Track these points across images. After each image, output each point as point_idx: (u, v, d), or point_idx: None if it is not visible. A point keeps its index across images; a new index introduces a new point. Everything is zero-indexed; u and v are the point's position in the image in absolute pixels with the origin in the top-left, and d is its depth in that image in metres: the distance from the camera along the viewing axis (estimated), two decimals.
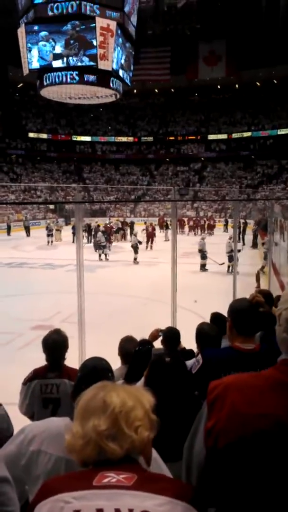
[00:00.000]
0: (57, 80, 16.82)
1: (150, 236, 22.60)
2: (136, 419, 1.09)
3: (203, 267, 16.09)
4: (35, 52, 16.66)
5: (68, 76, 16.60)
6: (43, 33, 16.27)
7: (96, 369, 1.74)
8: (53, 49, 16.33)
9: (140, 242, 18.48)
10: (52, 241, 23.52)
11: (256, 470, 1.10)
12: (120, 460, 1.07)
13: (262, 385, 1.18)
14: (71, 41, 16.08)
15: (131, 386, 1.22)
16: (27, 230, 29.25)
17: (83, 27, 15.97)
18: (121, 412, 1.09)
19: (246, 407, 1.14)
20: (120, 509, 0.96)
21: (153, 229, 23.31)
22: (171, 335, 3.86)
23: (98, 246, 18.92)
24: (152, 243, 22.32)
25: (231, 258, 15.11)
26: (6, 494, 1.35)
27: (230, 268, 14.74)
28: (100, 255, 18.54)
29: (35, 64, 16.86)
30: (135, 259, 17.84)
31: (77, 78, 16.64)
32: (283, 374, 1.17)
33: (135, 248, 17.96)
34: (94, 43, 16.03)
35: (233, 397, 1.17)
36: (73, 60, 16.31)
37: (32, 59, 16.83)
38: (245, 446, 1.10)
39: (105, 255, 18.65)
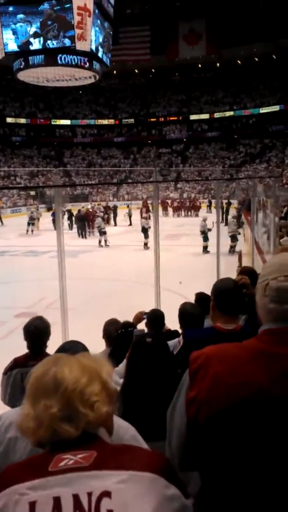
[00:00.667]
0: (34, 62, 16.44)
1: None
2: (92, 395, 1.02)
3: (205, 249, 15.75)
4: (10, 34, 16.21)
5: (46, 58, 16.23)
6: (18, 15, 15.82)
7: (72, 352, 1.70)
8: (30, 31, 15.91)
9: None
10: (32, 230, 22.88)
11: (240, 438, 1.10)
12: (77, 438, 1.00)
13: (244, 355, 1.17)
14: (49, 22, 15.67)
15: (88, 356, 1.14)
16: None
17: (59, 7, 15.55)
18: (74, 390, 1.01)
19: (229, 376, 1.13)
20: (78, 494, 0.90)
21: (147, 210, 23.26)
22: (155, 317, 3.84)
23: (99, 232, 18.69)
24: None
25: (234, 238, 15.11)
26: None
27: (233, 248, 14.79)
28: (100, 241, 18.22)
29: (12, 47, 16.42)
30: (145, 244, 16.55)
31: (55, 60, 16.28)
32: (265, 344, 1.17)
33: (145, 231, 16.93)
34: (72, 23, 15.65)
35: (215, 367, 1.17)
36: (51, 43, 15.93)
37: (8, 42, 16.37)
38: (229, 415, 1.10)
39: (105, 241, 18.26)
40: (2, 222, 28.13)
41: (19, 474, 0.96)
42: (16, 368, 2.98)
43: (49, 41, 15.94)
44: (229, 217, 18.93)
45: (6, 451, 1.56)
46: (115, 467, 0.94)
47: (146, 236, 16.53)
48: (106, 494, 0.90)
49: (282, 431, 1.07)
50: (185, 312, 3.20)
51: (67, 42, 15.93)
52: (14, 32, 16.10)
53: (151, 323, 3.83)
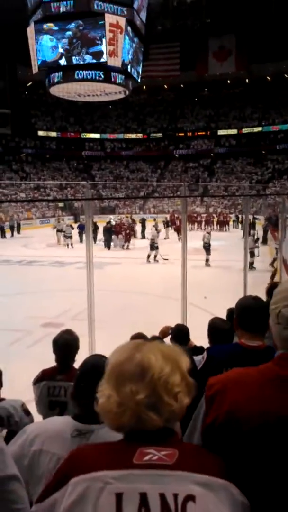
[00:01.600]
0: (66, 78, 16.83)
1: (178, 229, 22.52)
2: (174, 385, 1.01)
3: (207, 262, 15.99)
4: (44, 50, 16.68)
5: (77, 74, 16.59)
6: (52, 32, 16.28)
7: (95, 367, 1.71)
8: (62, 47, 16.34)
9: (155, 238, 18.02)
10: (72, 244, 21.62)
11: (257, 463, 1.10)
12: (158, 431, 1.00)
13: (261, 380, 1.18)
14: (74, 40, 16.07)
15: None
16: (12, 229, 28.38)
17: (90, 25, 15.94)
18: (160, 379, 1.00)
19: (246, 403, 1.14)
20: (165, 493, 0.91)
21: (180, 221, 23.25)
22: (180, 332, 3.84)
23: (152, 247, 17.81)
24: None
25: (252, 254, 15.04)
26: (16, 492, 1.36)
27: (253, 265, 14.69)
28: (149, 256, 17.57)
29: (45, 63, 16.88)
30: (149, 256, 17.34)
31: (86, 75, 16.64)
32: (281, 369, 1.17)
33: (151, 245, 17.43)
34: (100, 40, 15.99)
35: (232, 393, 1.17)
36: (76, 59, 16.30)
37: (41, 58, 16.85)
38: (246, 442, 1.11)
39: (155, 256, 17.60)
40: (12, 233, 28.18)
41: (101, 460, 0.97)
42: (43, 381, 3.01)
43: (74, 57, 16.33)
44: (205, 232, 18.83)
45: (31, 464, 1.57)
46: (195, 469, 0.95)
47: (151, 249, 17.37)
48: (191, 498, 0.91)
49: None
50: (214, 327, 3.19)
51: (88, 58, 16.24)
52: (47, 48, 16.57)
53: (176, 338, 3.83)
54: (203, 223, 31.27)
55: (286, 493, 1.08)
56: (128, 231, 22.35)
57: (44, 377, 3.04)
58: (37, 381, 3.08)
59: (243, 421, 1.12)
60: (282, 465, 1.08)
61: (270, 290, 3.60)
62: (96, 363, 1.75)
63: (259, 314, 2.07)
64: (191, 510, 0.90)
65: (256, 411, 1.11)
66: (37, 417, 2.88)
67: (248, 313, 2.09)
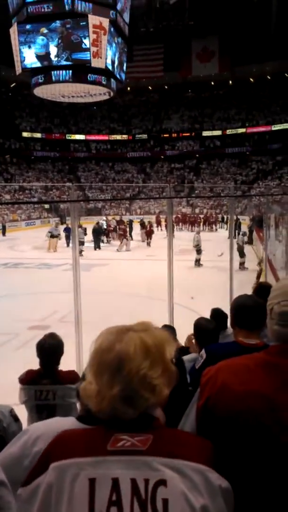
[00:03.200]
0: (50, 79, 16.76)
1: (149, 233, 22.72)
2: (153, 379, 1.01)
3: (197, 262, 16.13)
4: (27, 51, 16.59)
5: (61, 75, 16.54)
6: (35, 32, 16.19)
7: None
8: (46, 48, 16.26)
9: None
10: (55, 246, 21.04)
11: (246, 443, 1.15)
12: (134, 419, 1.01)
13: (251, 364, 1.25)
14: (57, 41, 16.00)
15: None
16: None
17: (72, 25, 15.89)
18: (137, 373, 1.00)
19: (236, 384, 1.20)
20: (136, 479, 0.93)
21: (151, 226, 23.47)
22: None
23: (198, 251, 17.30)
24: (150, 239, 22.46)
25: (242, 254, 15.16)
26: (3, 498, 1.36)
27: (244, 264, 14.82)
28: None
29: (28, 63, 16.78)
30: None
31: (70, 76, 16.58)
32: (271, 356, 1.25)
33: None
34: (85, 41, 15.96)
35: (224, 376, 1.25)
36: (59, 60, 16.25)
37: (25, 58, 16.75)
38: (236, 421, 1.17)
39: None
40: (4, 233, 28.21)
41: (80, 446, 0.99)
42: (30, 384, 2.99)
43: (60, 58, 16.28)
44: (195, 233, 18.96)
45: (32, 465, 1.54)
46: (170, 454, 0.95)
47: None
48: (162, 482, 0.93)
49: (285, 437, 1.12)
50: (200, 326, 3.22)
51: (71, 59, 16.19)
52: (31, 49, 16.48)
53: None
54: (188, 224, 31.50)
55: (272, 468, 1.13)
56: (123, 233, 22.61)
57: (30, 381, 3.02)
58: (23, 382, 3.06)
59: (233, 401, 1.18)
60: (268, 443, 1.13)
61: (259, 290, 3.65)
62: None
63: (255, 312, 2.11)
64: (161, 494, 0.92)
65: (245, 391, 1.18)
66: (26, 423, 2.86)
67: (245, 311, 2.13)
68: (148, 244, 22.07)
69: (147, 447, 0.96)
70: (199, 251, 16.27)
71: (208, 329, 3.17)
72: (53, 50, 16.18)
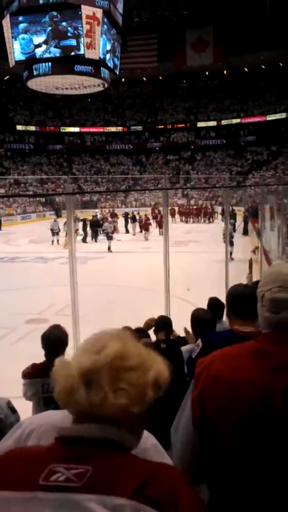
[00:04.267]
0: (43, 71, 16.64)
1: (145, 226, 22.64)
2: (124, 381, 0.91)
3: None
4: (20, 43, 16.44)
5: (54, 67, 16.41)
6: (28, 24, 16.04)
7: None
8: (39, 39, 16.12)
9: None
10: (58, 240, 20.78)
11: (242, 433, 1.16)
12: (81, 439, 0.89)
13: (244, 353, 1.26)
14: (50, 32, 15.87)
15: (150, 349, 1.00)
16: None
17: (66, 17, 15.75)
18: (112, 363, 0.91)
19: (228, 374, 1.21)
20: None
21: (147, 219, 23.38)
22: (163, 324, 3.89)
23: (107, 237, 18.94)
24: (147, 232, 22.33)
25: (231, 243, 15.11)
26: None
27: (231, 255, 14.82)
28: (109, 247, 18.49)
29: (21, 56, 16.64)
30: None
31: (63, 68, 16.47)
32: (263, 344, 1.26)
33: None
34: (77, 32, 15.82)
35: (217, 366, 1.25)
36: (52, 51, 16.13)
37: (18, 51, 16.60)
38: (230, 411, 1.18)
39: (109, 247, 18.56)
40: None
41: (12, 476, 0.87)
42: (37, 378, 2.97)
43: (52, 49, 16.15)
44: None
45: None
46: (105, 490, 0.82)
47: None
48: None
49: (278, 422, 1.14)
50: (197, 317, 3.24)
51: (65, 51, 16.08)
52: (24, 41, 16.34)
53: (159, 329, 3.89)
54: (177, 216, 31.49)
55: (268, 457, 1.14)
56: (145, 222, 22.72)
57: (36, 374, 3.00)
58: (28, 375, 3.04)
59: (227, 391, 1.19)
60: (263, 430, 1.14)
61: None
62: None
63: (250, 301, 2.13)
64: None
65: (238, 380, 1.19)
66: (23, 415, 2.88)
67: (240, 300, 2.16)
68: (146, 238, 21.84)
69: (84, 482, 0.82)
70: (231, 243, 16.05)
71: (205, 319, 3.20)
72: (45, 42, 16.05)
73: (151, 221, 24.78)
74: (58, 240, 20.71)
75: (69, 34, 15.79)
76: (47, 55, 16.20)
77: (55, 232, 21.06)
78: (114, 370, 0.91)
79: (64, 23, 15.77)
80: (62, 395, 0.93)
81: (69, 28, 15.76)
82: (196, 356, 2.25)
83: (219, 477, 1.23)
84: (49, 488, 0.83)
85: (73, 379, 0.91)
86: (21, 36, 16.15)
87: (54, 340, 3.01)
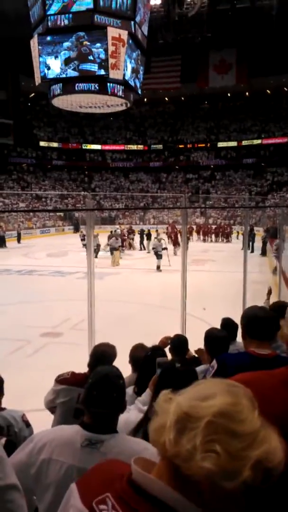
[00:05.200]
0: (68, 89, 17.02)
1: (175, 240, 22.67)
2: (221, 444, 0.74)
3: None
4: (47, 62, 16.89)
5: (79, 86, 16.78)
6: (55, 44, 16.49)
7: (108, 376, 1.73)
8: (65, 59, 16.55)
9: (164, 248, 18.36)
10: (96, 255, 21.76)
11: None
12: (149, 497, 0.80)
13: (275, 383, 1.19)
14: (76, 52, 16.26)
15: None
16: (3, 240, 27.11)
17: (92, 38, 16.15)
18: (215, 417, 0.76)
19: (261, 405, 1.13)
20: None
21: (175, 231, 23.38)
22: (179, 343, 3.86)
23: (157, 255, 18.21)
24: (177, 247, 22.20)
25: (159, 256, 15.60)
26: (15, 501, 1.35)
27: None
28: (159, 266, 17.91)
29: (47, 74, 17.08)
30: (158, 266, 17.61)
31: (88, 87, 16.83)
32: None
33: (157, 254, 17.87)
34: (102, 53, 16.20)
35: None
36: (77, 71, 16.49)
37: (44, 69, 17.06)
38: None
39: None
40: (5, 245, 27.12)
41: (88, 483, 0.95)
42: (75, 386, 2.85)
43: (75, 70, 16.52)
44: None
45: (39, 472, 1.56)
46: None
47: (159, 257, 17.64)
48: None
49: None
50: (211, 336, 3.22)
51: (90, 71, 16.42)
52: (50, 60, 16.78)
53: (175, 349, 3.85)
54: (195, 235, 31.46)
55: None
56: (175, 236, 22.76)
57: (75, 382, 2.88)
58: (66, 382, 2.92)
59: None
60: None
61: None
62: (108, 373, 1.77)
63: (266, 323, 2.12)
64: None
65: (271, 413, 1.11)
66: (36, 427, 2.87)
67: (256, 322, 2.14)
68: (175, 253, 21.21)
69: None
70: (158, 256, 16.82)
71: (218, 337, 3.17)
72: (71, 62, 16.45)
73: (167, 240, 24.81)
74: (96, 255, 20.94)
75: (91, 57, 16.15)
76: (72, 74, 16.59)
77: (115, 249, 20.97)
78: (214, 426, 0.75)
79: (89, 44, 16.17)
80: (153, 433, 0.82)
81: (93, 49, 16.14)
82: (213, 377, 2.22)
83: None
84: None
85: (167, 418, 0.79)
86: (47, 55, 16.61)
87: (101, 355, 2.96)
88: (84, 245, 20.94)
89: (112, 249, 19.06)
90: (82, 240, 23.19)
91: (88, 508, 0.86)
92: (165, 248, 18.33)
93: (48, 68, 16.78)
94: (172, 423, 0.77)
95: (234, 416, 0.77)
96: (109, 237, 21.84)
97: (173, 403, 0.80)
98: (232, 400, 0.79)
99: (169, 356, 3.94)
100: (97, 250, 20.32)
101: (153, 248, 18.69)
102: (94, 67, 16.31)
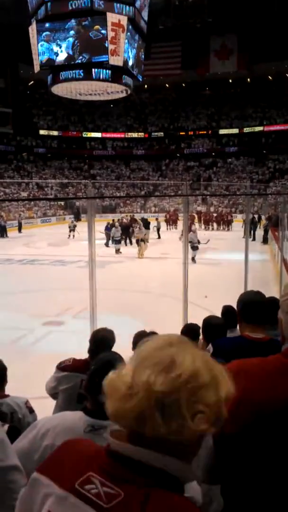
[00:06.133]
0: (67, 76, 16.89)
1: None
2: (201, 402, 0.80)
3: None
4: (45, 49, 16.73)
5: (78, 73, 16.65)
6: (54, 31, 16.32)
7: (110, 363, 1.74)
8: (64, 46, 16.38)
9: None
10: (73, 236, 23.61)
11: (265, 451, 1.11)
12: (134, 461, 0.81)
13: (270, 370, 1.19)
14: (75, 39, 16.10)
15: (212, 359, 0.89)
16: (4, 230, 26.94)
17: (91, 24, 15.97)
18: (187, 383, 0.80)
19: (255, 393, 1.14)
20: None
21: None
22: (190, 330, 3.90)
23: (192, 247, 18.29)
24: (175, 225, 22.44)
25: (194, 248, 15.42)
26: (17, 482, 1.38)
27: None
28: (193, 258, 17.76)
29: (46, 61, 16.93)
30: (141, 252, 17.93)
31: (87, 74, 16.68)
32: None
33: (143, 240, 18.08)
34: (102, 39, 16.03)
35: (241, 382, 1.15)
36: (77, 58, 16.36)
37: (43, 56, 16.90)
38: (256, 430, 1.12)
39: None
40: (6, 234, 26.94)
41: (61, 469, 0.89)
42: (77, 372, 2.87)
43: (78, 55, 16.38)
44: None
45: (42, 459, 1.52)
46: None
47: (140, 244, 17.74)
48: None
49: None
50: (209, 324, 3.24)
51: (89, 57, 16.29)
52: (49, 47, 16.62)
53: (186, 336, 3.88)
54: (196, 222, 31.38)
55: None
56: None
57: (77, 368, 2.90)
58: (68, 369, 2.94)
59: (253, 411, 1.12)
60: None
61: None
62: (110, 359, 1.78)
63: (261, 307, 2.14)
64: None
65: (266, 399, 1.12)
66: (40, 414, 2.90)
67: (251, 306, 2.15)
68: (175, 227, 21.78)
69: (110, 505, 0.79)
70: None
71: (217, 326, 3.19)
72: (70, 48, 16.30)
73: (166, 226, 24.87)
74: (73, 236, 22.96)
75: (98, 40, 16.01)
76: (71, 61, 16.45)
77: (71, 229, 23.56)
78: (190, 391, 0.80)
79: (90, 29, 16.02)
80: (129, 421, 0.82)
81: (96, 33, 15.98)
82: None
83: (237, 480, 1.18)
84: (80, 495, 0.82)
85: (144, 404, 0.80)
86: (46, 42, 16.45)
87: (101, 340, 2.96)
88: (70, 234, 23.13)
89: (139, 240, 18.82)
90: (71, 230, 24.11)
91: (71, 491, 0.84)
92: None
93: (53, 54, 16.62)
94: (154, 408, 0.79)
95: (198, 371, 0.82)
96: (111, 226, 21.88)
97: (141, 386, 0.81)
98: (190, 357, 0.83)
99: None
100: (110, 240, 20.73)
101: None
102: (100, 49, 16.20)
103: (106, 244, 20.89)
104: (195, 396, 0.80)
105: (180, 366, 0.81)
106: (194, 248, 17.70)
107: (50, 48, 16.51)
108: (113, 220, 22.56)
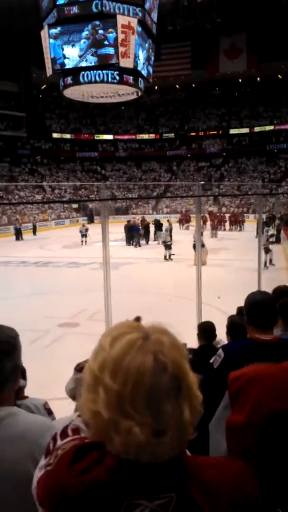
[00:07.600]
0: (79, 80, 16.99)
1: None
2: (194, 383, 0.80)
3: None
4: (57, 53, 16.86)
5: (90, 75, 16.74)
6: (65, 34, 16.45)
7: None
8: (75, 49, 16.50)
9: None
10: (86, 241, 22.43)
11: (283, 460, 1.09)
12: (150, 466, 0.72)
13: (284, 376, 1.20)
14: (86, 42, 16.20)
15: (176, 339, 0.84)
16: (19, 232, 27.14)
17: (102, 26, 16.06)
18: (191, 388, 0.80)
19: (270, 401, 1.14)
20: None
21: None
22: (206, 328, 3.93)
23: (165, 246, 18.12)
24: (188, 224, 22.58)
25: (267, 250, 14.89)
26: None
27: (267, 263, 14.65)
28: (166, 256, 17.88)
29: (58, 65, 17.06)
30: (166, 256, 17.79)
31: (98, 77, 16.77)
32: None
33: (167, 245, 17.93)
34: (112, 41, 16.10)
35: (256, 390, 1.18)
36: (88, 61, 16.46)
37: (55, 60, 17.03)
38: (272, 439, 1.10)
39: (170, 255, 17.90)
40: (21, 236, 27.17)
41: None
42: None
43: (89, 58, 16.48)
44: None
45: None
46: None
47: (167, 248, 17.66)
48: None
49: None
50: (234, 323, 3.25)
51: (100, 60, 16.37)
52: (61, 51, 16.74)
53: (203, 333, 3.93)
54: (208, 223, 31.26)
55: None
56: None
57: None
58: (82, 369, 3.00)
59: (268, 417, 1.11)
60: None
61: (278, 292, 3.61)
62: None
63: (267, 308, 2.11)
64: None
65: (281, 408, 1.11)
66: (58, 416, 2.95)
67: (257, 308, 2.12)
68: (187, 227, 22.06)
69: None
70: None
71: (240, 325, 3.22)
72: (82, 52, 16.41)
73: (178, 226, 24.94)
74: (86, 242, 22.36)
75: (106, 42, 16.09)
76: (83, 64, 16.55)
77: (83, 234, 22.83)
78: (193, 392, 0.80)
79: (102, 32, 16.12)
80: (103, 435, 0.76)
81: (108, 36, 16.07)
82: (219, 368, 2.21)
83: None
84: None
85: (109, 407, 0.74)
86: (58, 46, 16.59)
87: None
88: (82, 240, 22.47)
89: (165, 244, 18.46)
90: (83, 236, 22.74)
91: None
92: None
93: (65, 58, 16.73)
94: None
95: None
96: (127, 227, 22.15)
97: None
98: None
99: (196, 342, 4.01)
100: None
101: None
102: (111, 51, 16.28)
103: (131, 243, 21.12)
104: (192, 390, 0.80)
105: (184, 379, 0.80)
106: (167, 247, 17.87)
107: (62, 51, 16.64)
108: (156, 220, 23.66)
